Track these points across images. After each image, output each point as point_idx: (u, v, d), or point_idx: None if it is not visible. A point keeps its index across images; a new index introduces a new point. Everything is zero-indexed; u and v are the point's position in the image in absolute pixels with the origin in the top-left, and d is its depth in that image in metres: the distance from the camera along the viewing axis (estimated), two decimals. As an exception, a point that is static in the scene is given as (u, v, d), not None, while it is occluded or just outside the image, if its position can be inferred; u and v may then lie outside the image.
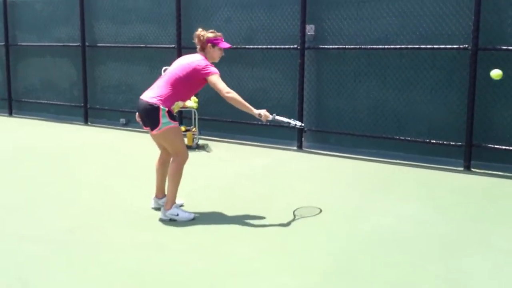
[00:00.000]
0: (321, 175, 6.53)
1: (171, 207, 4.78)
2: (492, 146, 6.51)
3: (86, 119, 10.35)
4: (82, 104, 10.34)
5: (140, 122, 4.87)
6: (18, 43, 11.20)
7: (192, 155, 7.59)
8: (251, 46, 8.29)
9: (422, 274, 3.70)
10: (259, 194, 5.61)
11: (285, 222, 4.70)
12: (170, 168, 4.83)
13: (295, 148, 7.95)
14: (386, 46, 7.09)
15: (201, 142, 8.25)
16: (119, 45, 9.76)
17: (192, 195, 5.42)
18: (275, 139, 8.20)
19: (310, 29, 7.74)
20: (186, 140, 8.05)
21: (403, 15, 7.02)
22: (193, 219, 4.78)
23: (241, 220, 4.77)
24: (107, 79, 10.11)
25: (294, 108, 7.92)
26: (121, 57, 9.85)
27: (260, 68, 8.36)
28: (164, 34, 9.25)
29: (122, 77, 9.89)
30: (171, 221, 4.73)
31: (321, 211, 5.01)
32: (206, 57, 4.81)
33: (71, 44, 10.32)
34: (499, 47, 6.32)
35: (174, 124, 4.70)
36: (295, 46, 7.80)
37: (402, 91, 7.13)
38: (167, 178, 4.90)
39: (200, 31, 4.83)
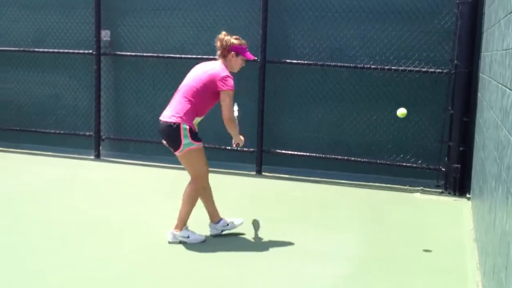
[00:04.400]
0: (120, 184, 6.38)
1: (181, 229, 4.36)
2: (280, 151, 7.05)
3: None
4: None
5: (167, 145, 4.31)
6: None
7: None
8: (41, 50, 7.76)
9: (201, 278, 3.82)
10: (54, 207, 5.25)
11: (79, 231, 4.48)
12: (186, 191, 4.38)
13: (92, 157, 7.64)
14: (183, 56, 7.22)
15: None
16: None
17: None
18: (69, 148, 7.78)
19: (105, 35, 7.53)
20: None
21: (198, 26, 7.24)
22: (204, 241, 4.44)
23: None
24: None
25: (91, 116, 7.63)
26: None
27: (51, 73, 7.86)
28: None
29: None
30: (180, 243, 4.38)
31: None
32: (226, 66, 4.29)
33: None
34: (283, 60, 6.89)
35: (197, 145, 4.21)
36: (90, 51, 7.52)
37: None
38: (184, 199, 4.39)
39: (224, 35, 4.30)
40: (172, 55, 7.29)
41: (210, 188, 4.58)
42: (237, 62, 4.41)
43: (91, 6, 7.46)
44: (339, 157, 6.76)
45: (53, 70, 7.84)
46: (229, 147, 7.17)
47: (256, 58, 4.56)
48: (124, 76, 7.61)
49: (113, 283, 3.70)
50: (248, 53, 4.45)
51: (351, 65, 6.62)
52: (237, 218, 4.73)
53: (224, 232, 4.66)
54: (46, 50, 7.74)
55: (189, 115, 4.24)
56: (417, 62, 6.39)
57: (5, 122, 8.04)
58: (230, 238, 4.62)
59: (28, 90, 7.97)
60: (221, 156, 7.28)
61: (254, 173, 7.06)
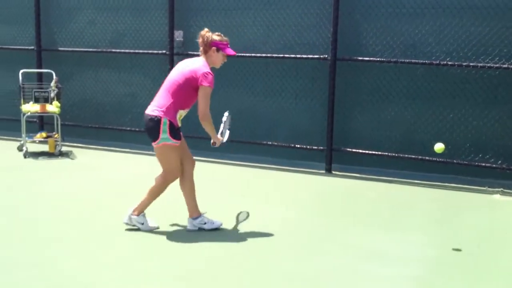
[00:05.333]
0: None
1: (138, 215, 4.56)
2: (350, 150, 6.95)
3: None
4: None
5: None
6: None
7: (55, 162, 7.20)
8: (118, 50, 8.05)
9: (278, 273, 3.83)
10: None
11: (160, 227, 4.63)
12: (156, 182, 4.55)
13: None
14: (253, 54, 7.28)
15: (64, 149, 7.82)
16: (-30, 45, 8.94)
17: (60, 205, 5.11)
18: (143, 145, 8.02)
19: (178, 35, 7.71)
20: (48, 147, 7.62)
21: (268, 24, 7.26)
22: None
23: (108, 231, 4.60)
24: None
25: (164, 114, 7.83)
26: (-28, 58, 9.02)
27: (128, 73, 8.15)
28: (22, 34, 8.65)
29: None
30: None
31: (248, 214, 5.04)
32: (207, 62, 4.49)
33: None
34: (355, 57, 6.78)
35: (173, 142, 4.38)
36: (164, 51, 7.72)
37: (269, 98, 7.36)
38: (151, 189, 4.57)
39: (205, 31, 4.48)
40: (242, 54, 7.34)
41: (193, 183, 4.67)
42: (218, 58, 4.52)
43: (164, 7, 7.66)
44: (413, 156, 6.57)
45: (129, 70, 8.12)
46: (298, 145, 7.17)
47: (236, 53, 4.69)
48: (196, 75, 7.75)
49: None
50: (229, 49, 4.54)
51: (426, 61, 6.42)
52: (217, 220, 4.72)
53: (205, 228, 4.65)
54: (122, 50, 8.02)
55: (171, 109, 4.37)
56: (497, 58, 6.11)
57: (85, 120, 8.41)
58: (300, 236, 4.60)
59: (106, 90, 8.29)
60: (290, 154, 7.28)
61: (323, 171, 7.00)
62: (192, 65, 4.45)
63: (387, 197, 6.01)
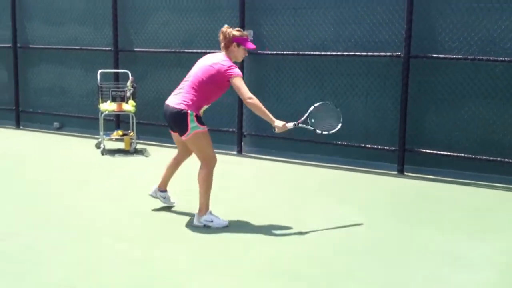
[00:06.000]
0: (261, 180, 6.55)
1: (205, 213, 4.71)
2: (424, 150, 6.74)
3: (18, 123, 9.94)
4: (14, 108, 9.91)
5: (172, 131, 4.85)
6: None
7: (130, 160, 7.47)
8: (190, 50, 8.22)
9: (354, 277, 3.77)
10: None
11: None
12: (200, 175, 4.71)
13: (235, 152, 7.95)
14: (323, 53, 7.22)
15: (139, 146, 8.10)
16: (53, 46, 9.43)
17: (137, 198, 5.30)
18: (214, 144, 8.13)
19: (248, 34, 7.73)
20: (123, 145, 7.92)
21: (339, 22, 7.16)
22: (227, 226, 4.72)
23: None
24: (40, 81, 9.75)
25: (234, 113, 7.93)
26: (55, 59, 9.52)
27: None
28: (100, 36, 9.03)
29: (56, 80, 9.56)
30: (204, 228, 4.69)
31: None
32: (229, 57, 4.67)
33: (1, 45, 9.88)
34: (430, 55, 6.56)
35: (203, 128, 4.61)
36: (234, 51, 7.80)
37: (339, 97, 7.27)
38: (198, 185, 4.75)
39: (226, 28, 4.68)
40: (312, 53, 7.31)
41: (180, 164, 5.03)
42: (239, 52, 4.68)
43: (235, 7, 7.74)
44: (491, 158, 6.27)
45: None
46: (369, 145, 7.03)
47: (255, 47, 4.88)
48: (265, 74, 7.79)
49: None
50: (249, 43, 4.72)
51: (506, 58, 6.11)
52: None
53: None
54: (194, 50, 8.17)
55: (196, 104, 4.55)
56: None
57: (159, 119, 8.61)
58: (372, 238, 4.51)
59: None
60: (360, 154, 7.16)
61: (395, 172, 6.82)
62: (214, 61, 4.60)
63: (463, 200, 5.77)
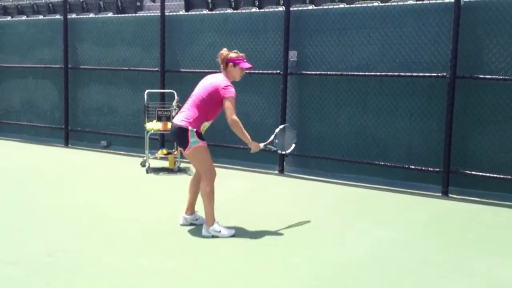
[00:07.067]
0: (303, 199, 6.56)
1: (213, 224, 4.94)
2: (469, 172, 6.62)
3: (67, 141, 10.28)
4: (63, 126, 10.27)
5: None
6: (0, 64, 11.13)
7: (174, 178, 7.61)
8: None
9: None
10: (244, 218, 5.61)
11: (267, 243, 4.72)
12: (201, 188, 4.99)
13: (276, 172, 7.99)
14: (366, 73, 7.24)
15: (183, 165, 8.24)
16: (102, 67, 9.77)
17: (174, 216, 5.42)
18: (257, 163, 8.23)
19: (293, 55, 7.86)
20: (168, 163, 8.08)
21: (383, 43, 7.18)
22: (234, 235, 4.93)
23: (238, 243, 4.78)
24: (89, 101, 10.09)
25: (276, 133, 7.99)
26: (103, 79, 9.85)
27: (243, 92, 8.41)
28: (147, 57, 9.30)
29: (104, 100, 9.88)
30: (213, 238, 4.89)
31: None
32: (227, 77, 5.00)
33: (53, 66, 10.30)
34: (476, 75, 6.49)
35: (203, 143, 4.91)
36: (278, 71, 7.91)
37: (382, 117, 7.25)
38: (203, 197, 4.98)
39: (223, 51, 5.05)
40: (355, 73, 7.33)
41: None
42: (236, 72, 5.01)
43: (280, 29, 7.87)
44: (541, 180, 6.12)
45: (244, 89, 8.35)
46: (412, 166, 6.96)
47: (251, 66, 5.17)
48: (308, 94, 7.85)
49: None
50: (245, 63, 5.03)
51: (556, 79, 5.99)
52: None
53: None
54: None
55: (197, 121, 4.89)
56: None
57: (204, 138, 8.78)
58: (413, 261, 4.45)
59: (222, 109, 8.62)
60: (403, 175, 7.09)
61: (439, 194, 6.71)
62: (214, 81, 4.94)
63: (510, 224, 5.63)
